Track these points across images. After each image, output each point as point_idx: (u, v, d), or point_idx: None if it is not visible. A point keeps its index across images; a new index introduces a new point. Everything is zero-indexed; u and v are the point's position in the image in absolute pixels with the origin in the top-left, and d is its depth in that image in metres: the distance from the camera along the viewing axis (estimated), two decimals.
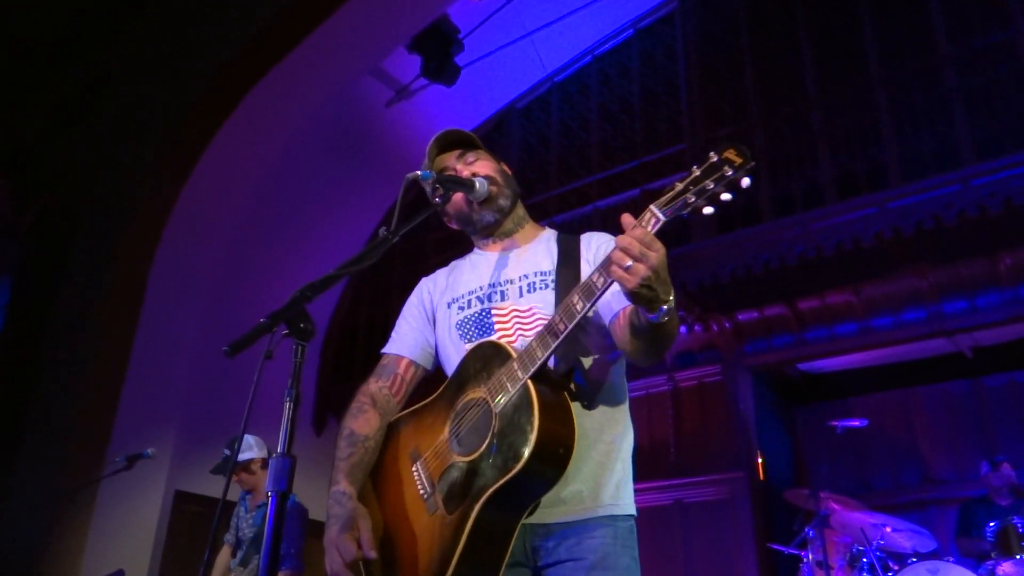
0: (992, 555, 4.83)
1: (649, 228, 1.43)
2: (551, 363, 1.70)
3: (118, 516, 6.56)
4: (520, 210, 2.06)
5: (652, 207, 1.45)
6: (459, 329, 1.94)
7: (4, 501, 7.15)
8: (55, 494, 6.44)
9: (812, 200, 6.28)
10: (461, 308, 1.96)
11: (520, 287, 1.90)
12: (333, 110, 8.17)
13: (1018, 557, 4.67)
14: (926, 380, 7.16)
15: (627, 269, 1.41)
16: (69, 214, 8.45)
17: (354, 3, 6.90)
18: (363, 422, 1.94)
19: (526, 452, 1.53)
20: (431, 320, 2.05)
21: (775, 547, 5.45)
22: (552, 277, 1.87)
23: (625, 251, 1.41)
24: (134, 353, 7.02)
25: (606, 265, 1.48)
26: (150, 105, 8.18)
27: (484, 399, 1.69)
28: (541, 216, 8.01)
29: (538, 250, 1.97)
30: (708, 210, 1.43)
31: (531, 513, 1.66)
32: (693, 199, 1.42)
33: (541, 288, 1.87)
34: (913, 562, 4.57)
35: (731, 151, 1.41)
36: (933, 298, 6.00)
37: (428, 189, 1.95)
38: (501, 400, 1.64)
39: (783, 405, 7.55)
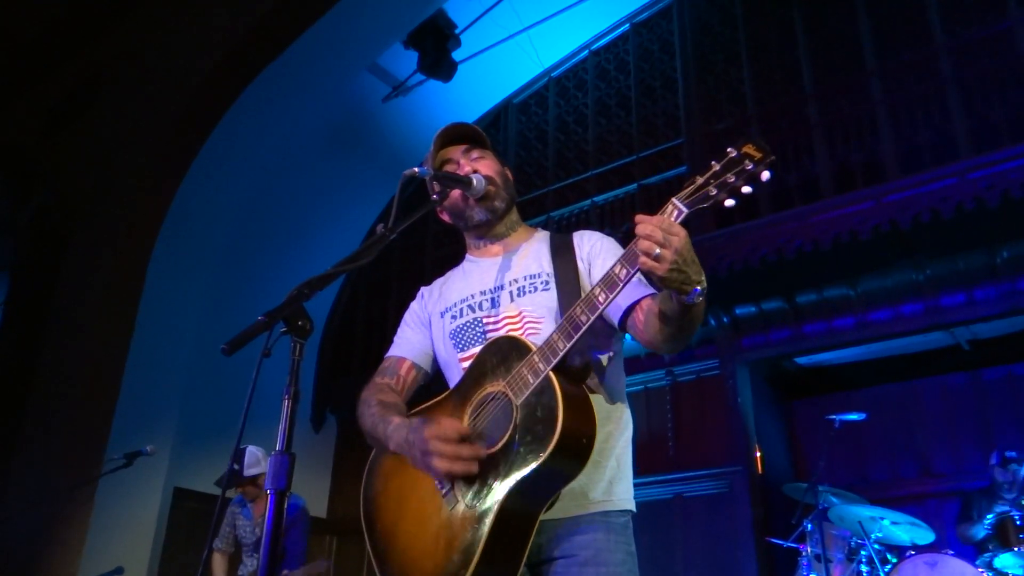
0: (990, 547, 4.84)
1: (672, 219, 1.47)
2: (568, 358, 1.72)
3: (117, 513, 6.55)
4: (514, 215, 2.07)
5: (674, 199, 1.49)
6: (452, 338, 1.95)
7: (3, 499, 7.15)
8: (54, 492, 6.43)
9: (809, 193, 6.28)
10: (454, 317, 1.97)
11: (511, 292, 1.91)
12: (330, 106, 8.15)
13: (1016, 549, 4.68)
14: (924, 373, 7.17)
15: (655, 257, 1.43)
16: (66, 211, 8.43)
17: None
18: (388, 395, 1.96)
19: (552, 442, 1.54)
20: (429, 327, 2.06)
21: (774, 541, 5.47)
22: (542, 279, 1.88)
23: (649, 238, 1.44)
24: (132, 350, 7.00)
25: (630, 257, 1.51)
26: (146, 101, 8.16)
27: (503, 392, 1.69)
28: (538, 211, 8.01)
29: (528, 254, 1.97)
30: (729, 202, 1.46)
31: (550, 507, 1.66)
32: (715, 192, 1.46)
33: (530, 291, 1.88)
34: (911, 555, 4.58)
35: (750, 146, 1.44)
36: (931, 291, 6.01)
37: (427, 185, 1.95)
38: (523, 393, 1.64)
39: (781, 399, 7.56)
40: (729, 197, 1.45)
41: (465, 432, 1.67)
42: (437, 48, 7.78)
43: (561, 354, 1.61)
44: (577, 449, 1.60)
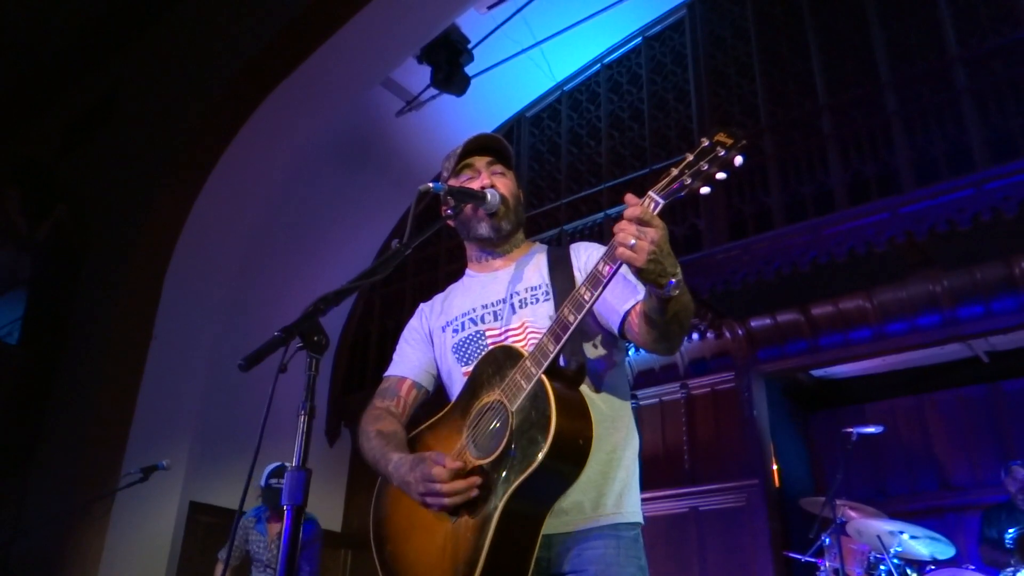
0: (1012, 562, 4.77)
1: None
2: (562, 362, 1.72)
3: (133, 528, 6.57)
4: (519, 236, 2.08)
5: (650, 192, 1.52)
6: (455, 352, 1.96)
7: (20, 513, 7.19)
8: (70, 506, 6.46)
9: (823, 205, 6.25)
10: (456, 331, 1.98)
11: (512, 304, 1.91)
12: (344, 121, 8.20)
13: None
14: (942, 385, 7.10)
15: (631, 247, 1.45)
16: (83, 227, 8.50)
17: (364, 14, 6.93)
18: (385, 424, 1.96)
19: (546, 444, 1.55)
20: (430, 343, 2.06)
21: (792, 555, 5.42)
22: (543, 290, 1.90)
23: (625, 230, 1.46)
24: (148, 364, 7.04)
25: (611, 253, 1.53)
26: (162, 118, 8.23)
27: (499, 400, 1.70)
28: (552, 224, 8.01)
29: (527, 267, 1.98)
30: (705, 190, 1.49)
31: (560, 511, 1.65)
32: (689, 180, 1.48)
33: (532, 303, 1.89)
34: (932, 570, 4.53)
35: (721, 134, 1.49)
36: (948, 303, 5.96)
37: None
38: (517, 398, 1.65)
39: (797, 412, 7.51)
40: (704, 185, 1.48)
41: (456, 467, 1.67)
42: (450, 63, 7.82)
43: (552, 356, 1.62)
44: (574, 451, 1.60)
